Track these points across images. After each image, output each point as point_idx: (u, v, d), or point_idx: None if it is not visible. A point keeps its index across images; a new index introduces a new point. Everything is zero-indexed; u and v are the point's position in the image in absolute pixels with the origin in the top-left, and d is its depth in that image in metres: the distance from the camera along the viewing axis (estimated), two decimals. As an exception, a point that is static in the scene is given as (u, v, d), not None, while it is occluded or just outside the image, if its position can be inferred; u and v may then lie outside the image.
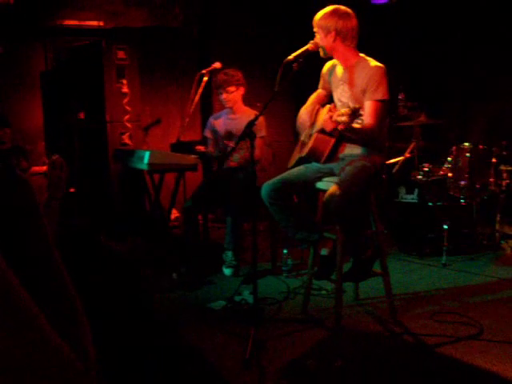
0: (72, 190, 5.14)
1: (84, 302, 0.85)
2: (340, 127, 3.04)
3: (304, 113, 3.69)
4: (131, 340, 3.26)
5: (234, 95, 4.79)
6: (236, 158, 4.64)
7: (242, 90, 4.84)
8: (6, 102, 6.45)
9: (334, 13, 3.40)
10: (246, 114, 4.74)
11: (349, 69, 3.47)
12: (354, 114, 2.97)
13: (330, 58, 3.59)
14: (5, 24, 5.98)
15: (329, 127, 3.15)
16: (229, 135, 4.86)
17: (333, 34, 3.37)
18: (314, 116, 3.66)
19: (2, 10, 5.84)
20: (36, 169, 5.82)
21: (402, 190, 5.28)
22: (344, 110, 3.00)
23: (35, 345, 0.66)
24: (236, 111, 4.88)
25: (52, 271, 0.81)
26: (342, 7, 3.43)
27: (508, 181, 5.00)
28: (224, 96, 4.80)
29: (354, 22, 3.41)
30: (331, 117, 3.08)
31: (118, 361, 2.86)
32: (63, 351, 0.70)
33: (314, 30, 3.45)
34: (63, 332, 0.72)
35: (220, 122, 4.97)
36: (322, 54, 3.48)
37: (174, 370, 3.03)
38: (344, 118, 2.95)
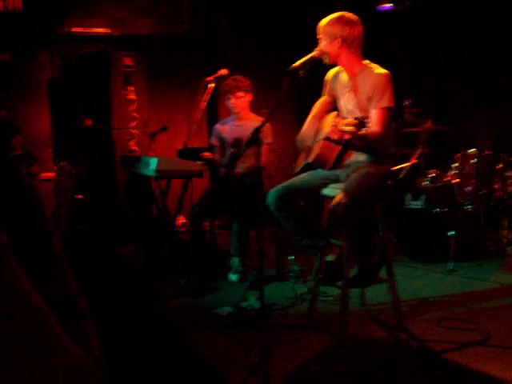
0: (79, 196, 5.17)
1: (90, 306, 0.87)
2: (346, 136, 3.02)
3: (307, 125, 3.69)
4: (137, 344, 3.27)
5: (242, 101, 4.81)
6: (242, 167, 4.66)
7: (249, 97, 4.86)
8: (14, 109, 6.49)
9: (339, 20, 3.39)
10: (253, 121, 4.76)
11: (353, 76, 3.47)
12: (361, 123, 2.96)
13: (334, 66, 3.59)
14: (12, 31, 6.02)
15: (335, 136, 3.14)
16: (235, 142, 4.87)
17: (339, 40, 3.37)
18: (319, 122, 3.67)
19: (9, 17, 5.88)
20: (45, 175, 5.87)
21: (409, 197, 5.27)
22: (351, 120, 2.98)
23: (44, 343, 0.68)
24: (242, 118, 4.90)
25: (59, 274, 0.82)
26: (348, 14, 3.43)
27: (514, 187, 4.99)
28: (233, 101, 4.81)
29: (359, 29, 3.41)
30: (337, 125, 3.07)
31: (123, 364, 2.87)
32: (71, 348, 0.71)
33: (319, 36, 3.44)
34: (70, 331, 0.73)
35: (226, 129, 4.99)
36: (325, 61, 3.48)
37: (180, 375, 3.03)
38: (351, 128, 2.95)
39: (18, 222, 0.80)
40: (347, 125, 2.96)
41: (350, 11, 3.48)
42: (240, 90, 4.78)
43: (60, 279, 0.82)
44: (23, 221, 0.80)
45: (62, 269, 0.83)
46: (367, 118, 3.18)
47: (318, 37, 3.45)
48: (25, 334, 0.66)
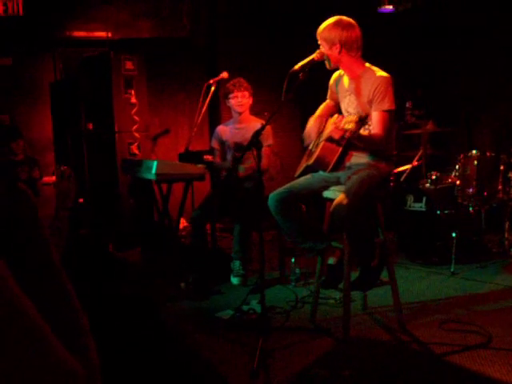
0: (81, 200, 5.18)
1: (92, 310, 0.86)
2: (347, 135, 3.04)
3: (312, 123, 3.69)
4: (139, 349, 3.26)
5: (247, 101, 4.84)
6: (242, 169, 4.65)
7: (251, 100, 4.89)
8: (16, 113, 6.51)
9: (337, 24, 3.39)
10: (253, 124, 4.76)
11: (355, 79, 3.47)
12: (361, 121, 2.98)
13: (337, 69, 3.60)
14: (14, 35, 6.04)
15: (336, 135, 3.16)
16: (236, 145, 4.88)
17: (338, 45, 3.37)
18: (322, 125, 3.67)
19: (11, 21, 5.90)
20: (46, 179, 5.88)
21: (410, 198, 5.26)
22: (351, 118, 3.01)
23: (40, 356, 0.67)
24: (243, 120, 4.91)
25: (53, 282, 0.82)
26: (345, 18, 3.42)
27: (516, 188, 4.98)
28: (239, 99, 4.81)
29: (357, 33, 3.41)
30: (338, 125, 3.09)
31: (125, 369, 2.87)
32: (68, 361, 0.71)
33: (318, 42, 3.45)
34: (67, 342, 0.73)
35: (227, 132, 4.99)
36: (327, 66, 3.49)
37: (181, 379, 3.03)
38: (351, 126, 2.97)
39: (11, 233, 0.79)
40: (347, 123, 2.98)
41: (351, 14, 3.48)
42: (247, 89, 4.81)
43: (58, 291, 0.81)
44: (17, 231, 0.80)
45: (60, 280, 0.83)
46: (368, 116, 3.19)
47: (318, 43, 3.45)
48: (18, 346, 0.65)
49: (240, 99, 4.82)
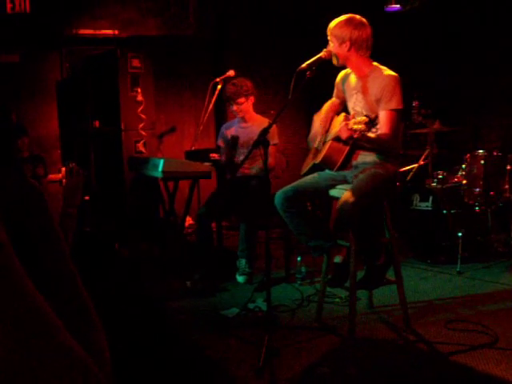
0: (87, 197, 5.19)
1: (96, 307, 0.86)
2: (356, 135, 3.03)
3: (317, 124, 3.69)
4: (144, 346, 3.27)
5: (244, 106, 4.79)
6: (255, 168, 4.65)
7: (251, 100, 4.83)
8: (22, 110, 6.52)
9: (349, 22, 3.39)
10: (258, 122, 4.75)
11: (362, 78, 3.47)
12: (371, 122, 2.97)
13: (343, 67, 3.59)
14: (21, 33, 6.05)
15: (344, 135, 3.14)
16: (241, 144, 4.87)
17: (347, 43, 3.37)
18: (328, 123, 3.67)
19: (18, 18, 5.91)
20: (52, 177, 5.88)
21: (417, 198, 5.25)
22: (361, 118, 3.00)
23: (52, 350, 0.67)
24: (247, 120, 4.89)
25: (65, 277, 0.82)
26: (357, 16, 3.43)
27: (523, 188, 4.97)
28: (234, 108, 4.80)
29: (368, 32, 3.41)
30: (347, 124, 3.08)
31: (130, 367, 2.88)
32: (80, 355, 0.71)
33: (328, 38, 3.45)
34: (78, 337, 0.73)
35: (232, 131, 4.98)
36: (335, 62, 3.48)
37: (186, 377, 3.04)
38: (361, 126, 2.95)
39: (21, 226, 0.80)
40: (357, 123, 2.97)
41: (358, 12, 3.48)
42: (240, 95, 4.74)
43: (68, 284, 0.82)
44: (28, 223, 0.80)
45: (70, 272, 0.83)
46: (377, 117, 3.18)
47: (328, 38, 3.45)
48: (30, 342, 0.66)
49: (236, 107, 4.80)
